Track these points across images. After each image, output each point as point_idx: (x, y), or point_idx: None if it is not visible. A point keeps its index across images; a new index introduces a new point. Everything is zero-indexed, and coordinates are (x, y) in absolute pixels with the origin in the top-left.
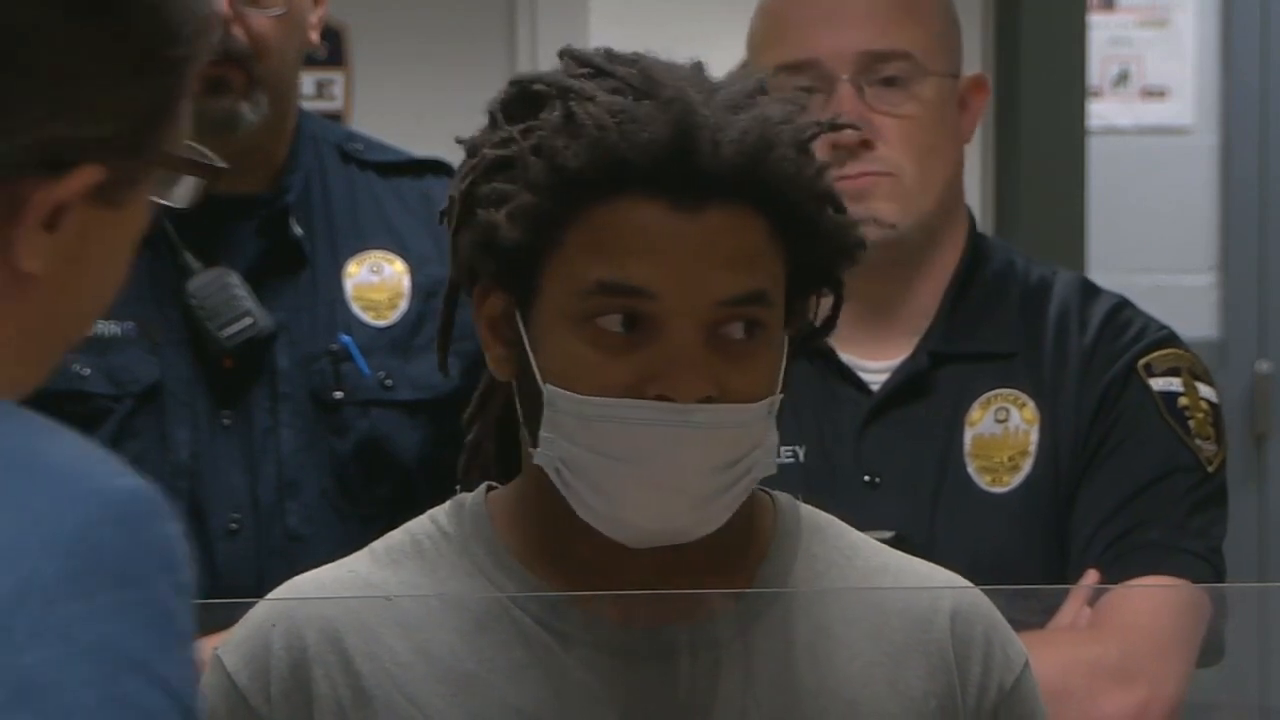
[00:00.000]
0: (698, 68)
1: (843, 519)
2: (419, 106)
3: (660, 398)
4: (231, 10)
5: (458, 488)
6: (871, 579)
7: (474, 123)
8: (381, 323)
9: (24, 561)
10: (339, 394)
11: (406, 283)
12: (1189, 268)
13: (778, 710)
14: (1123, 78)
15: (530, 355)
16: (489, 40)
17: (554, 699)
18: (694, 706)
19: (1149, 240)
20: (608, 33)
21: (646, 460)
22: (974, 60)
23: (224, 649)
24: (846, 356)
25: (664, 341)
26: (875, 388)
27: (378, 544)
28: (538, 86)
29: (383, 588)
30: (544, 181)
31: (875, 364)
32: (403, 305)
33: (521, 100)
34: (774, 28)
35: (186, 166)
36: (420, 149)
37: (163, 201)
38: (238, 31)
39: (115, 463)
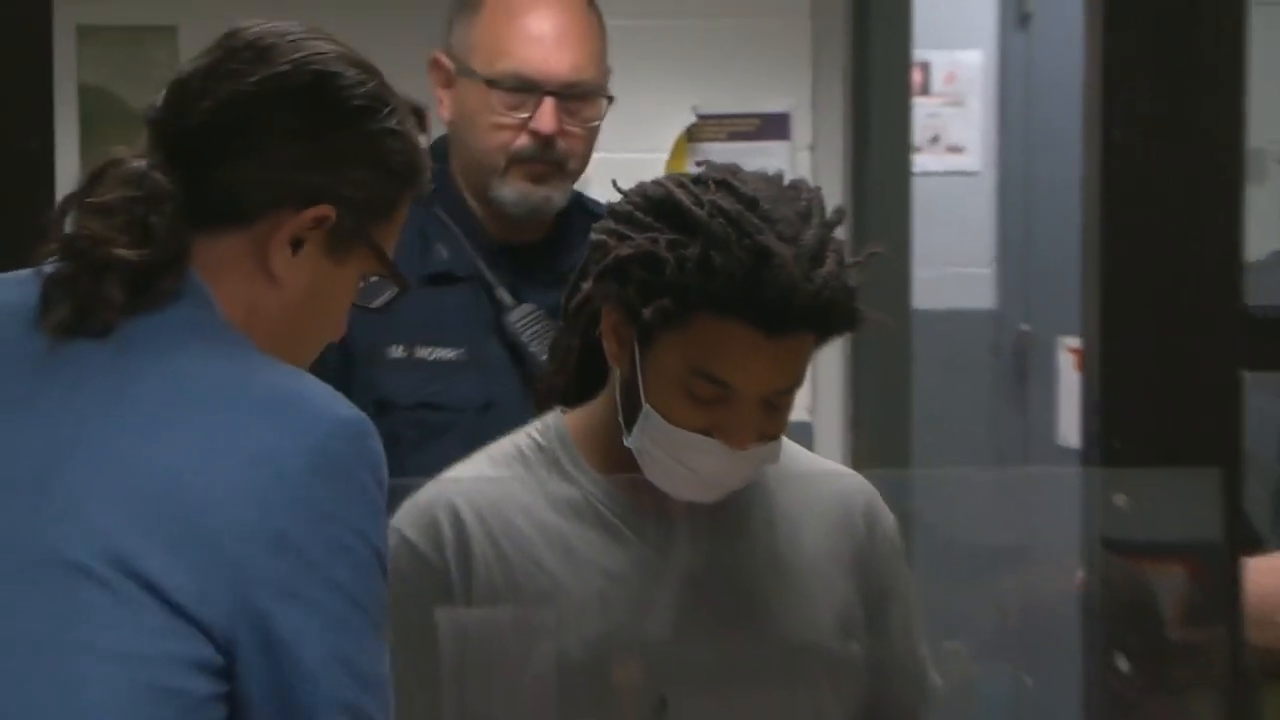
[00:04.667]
0: (794, 198)
1: None
2: None
3: (689, 426)
4: (560, 127)
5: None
6: (808, 474)
7: None
8: None
9: (281, 458)
10: None
11: None
12: (977, 263)
13: (769, 568)
14: (934, 139)
15: (640, 375)
16: None
17: (626, 564)
18: (720, 566)
19: (952, 243)
20: None
21: (706, 472)
22: (837, 129)
23: (400, 524)
24: None
25: (733, 411)
26: None
27: (493, 450)
28: (688, 209)
29: (500, 482)
30: (682, 294)
31: None
32: None
33: (671, 211)
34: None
35: (387, 267)
36: None
37: (362, 305)
38: (561, 142)
39: (341, 396)
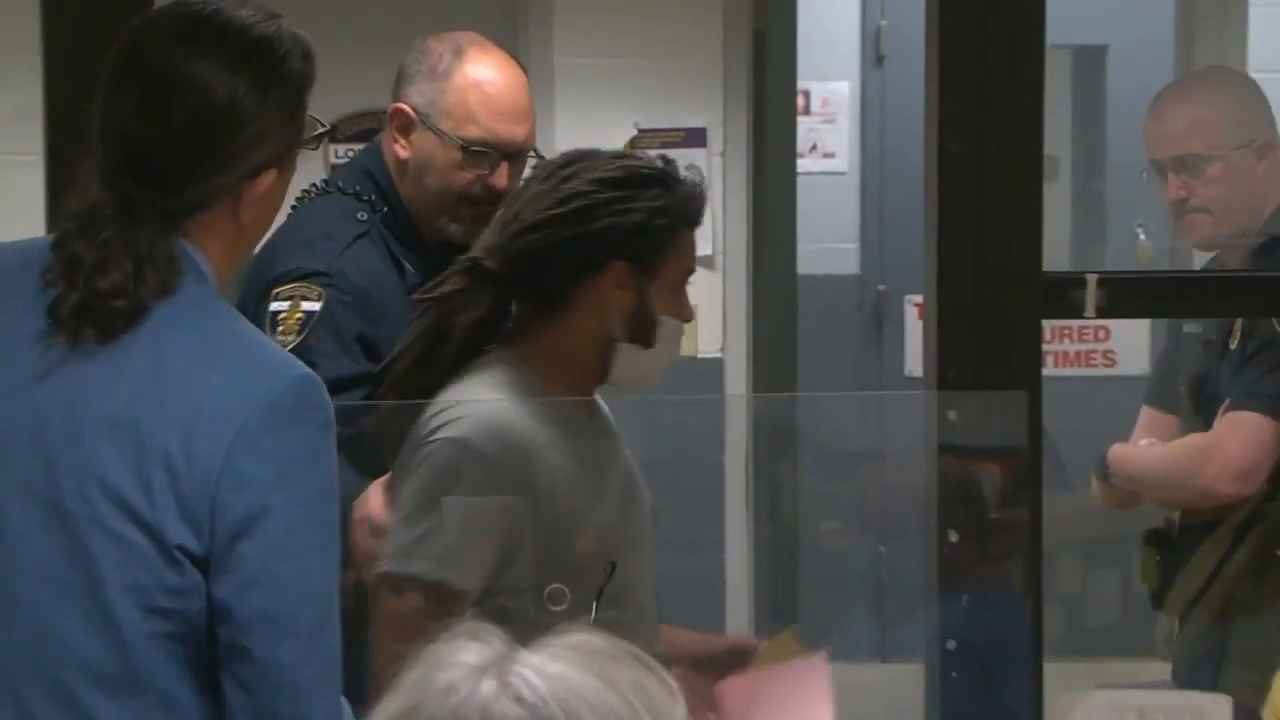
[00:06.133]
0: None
1: None
2: None
3: (685, 319)
4: (510, 184)
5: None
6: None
7: None
8: None
9: (243, 414)
10: None
11: None
12: (845, 239)
13: (622, 452)
14: (813, 148)
15: (651, 300)
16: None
17: (595, 460)
18: (619, 454)
19: (826, 225)
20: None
21: (677, 352)
22: (742, 139)
23: (475, 439)
24: None
25: (687, 295)
26: None
27: (489, 381)
28: (655, 171)
29: (520, 406)
30: (681, 221)
31: None
32: None
33: (637, 178)
34: None
35: (313, 135)
36: None
37: (307, 148)
38: (503, 193)
39: (291, 355)
